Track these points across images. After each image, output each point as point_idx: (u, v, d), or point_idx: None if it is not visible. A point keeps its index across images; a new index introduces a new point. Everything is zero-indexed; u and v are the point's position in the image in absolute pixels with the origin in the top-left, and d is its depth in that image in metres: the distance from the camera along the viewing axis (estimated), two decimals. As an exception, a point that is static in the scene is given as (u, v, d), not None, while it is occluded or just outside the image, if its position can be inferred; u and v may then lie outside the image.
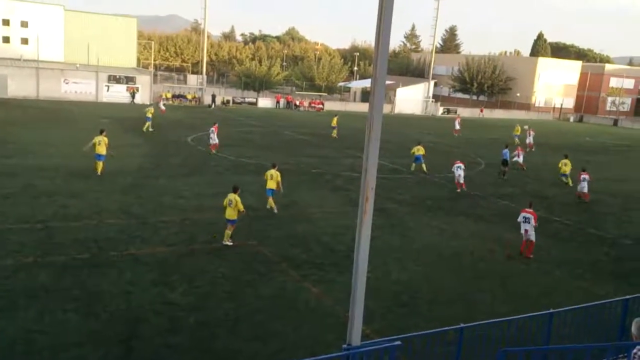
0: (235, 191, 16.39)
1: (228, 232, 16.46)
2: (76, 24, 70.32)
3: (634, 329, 6.55)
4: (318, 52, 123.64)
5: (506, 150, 31.92)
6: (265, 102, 72.58)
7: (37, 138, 33.04)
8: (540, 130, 67.77)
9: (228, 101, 69.19)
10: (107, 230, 16.94)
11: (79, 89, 59.08)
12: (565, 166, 30.03)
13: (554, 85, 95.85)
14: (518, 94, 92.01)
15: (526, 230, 17.38)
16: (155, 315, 11.74)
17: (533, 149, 43.47)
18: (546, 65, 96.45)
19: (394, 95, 79.05)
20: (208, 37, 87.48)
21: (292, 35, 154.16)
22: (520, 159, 32.89)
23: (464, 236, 19.46)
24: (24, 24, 69.67)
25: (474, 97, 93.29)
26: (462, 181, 26.51)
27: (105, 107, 54.18)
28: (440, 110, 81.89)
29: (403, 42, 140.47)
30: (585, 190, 26.63)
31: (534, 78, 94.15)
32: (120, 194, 21.34)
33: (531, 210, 17.52)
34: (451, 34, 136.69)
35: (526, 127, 49.27)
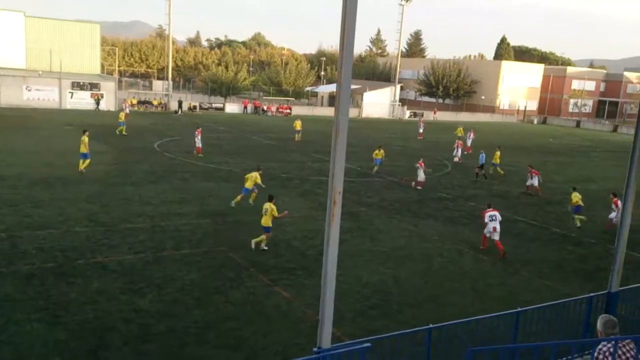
0: (270, 200, 17.03)
1: (264, 237, 16.86)
2: (37, 30, 68.65)
3: (599, 325, 6.71)
4: (285, 57, 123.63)
5: (482, 154, 32.77)
6: (232, 107, 72.18)
7: (-2, 146, 32.20)
8: (505, 132, 69.19)
9: (195, 107, 68.58)
10: (73, 239, 16.62)
11: (42, 95, 57.76)
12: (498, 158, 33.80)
13: (517, 88, 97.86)
14: (483, 97, 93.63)
15: (495, 228, 17.83)
16: (124, 323, 11.57)
17: (470, 151, 43.17)
18: (510, 68, 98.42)
19: (361, 99, 79.59)
20: (173, 42, 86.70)
21: (258, 41, 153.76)
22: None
23: (433, 238, 19.72)
24: (-17, 30, 67.74)
25: (440, 101, 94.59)
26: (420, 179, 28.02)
27: (69, 114, 53.14)
28: (407, 113, 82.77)
29: (369, 47, 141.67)
30: (536, 184, 28.90)
31: (498, 81, 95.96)
32: (85, 202, 20.97)
33: (495, 209, 18.11)
34: (416, 38, 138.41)
35: (470, 130, 49.48)
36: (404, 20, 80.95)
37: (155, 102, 67.26)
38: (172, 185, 25.06)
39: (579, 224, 22.40)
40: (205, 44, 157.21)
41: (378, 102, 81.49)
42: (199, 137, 33.57)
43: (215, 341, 11.16)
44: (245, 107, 72.48)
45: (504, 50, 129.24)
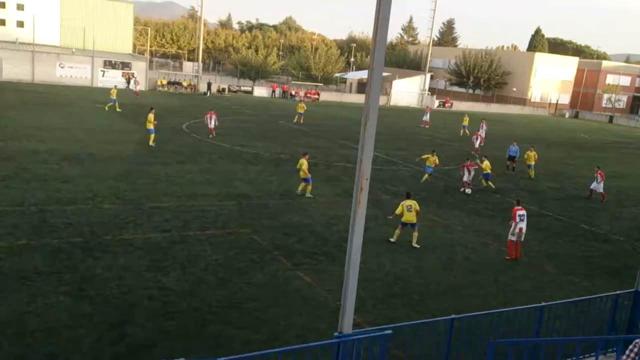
0: (409, 197, 17.32)
1: (415, 234, 17.07)
2: (72, 8, 69.70)
3: None
4: (315, 43, 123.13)
5: (515, 147, 31.86)
6: (260, 91, 72.33)
7: (31, 122, 32.86)
8: (535, 125, 68.02)
9: (224, 89, 68.91)
10: (101, 215, 16.92)
11: (75, 73, 58.71)
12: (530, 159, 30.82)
13: (550, 81, 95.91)
14: (514, 89, 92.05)
15: (521, 229, 16.83)
16: (148, 300, 11.77)
17: (483, 143, 42.49)
18: (543, 60, 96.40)
19: (390, 87, 78.94)
20: (205, 24, 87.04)
21: (289, 25, 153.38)
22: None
23: (457, 229, 19.56)
24: (20, 7, 69.03)
25: (470, 91, 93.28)
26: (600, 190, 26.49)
27: (100, 92, 53.85)
28: (436, 103, 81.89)
29: (400, 34, 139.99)
30: (601, 189, 26.59)
31: (531, 73, 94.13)
32: (114, 180, 21.30)
33: (523, 208, 17.42)
34: (449, 27, 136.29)
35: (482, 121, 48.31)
36: (437, 8, 79.86)
37: (184, 83, 67.76)
38: (199, 166, 25.28)
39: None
40: (236, 26, 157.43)
41: (407, 91, 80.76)
42: (213, 118, 34.00)
43: (237, 321, 11.28)
44: (274, 91, 72.55)
45: (537, 42, 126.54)
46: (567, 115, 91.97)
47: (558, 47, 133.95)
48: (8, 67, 55.72)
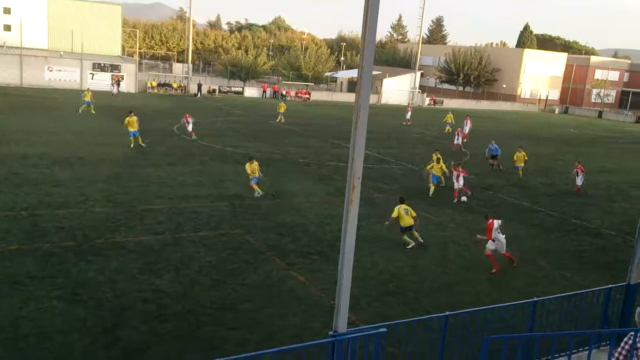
0: (403, 201, 16.98)
1: (416, 233, 17.05)
2: (60, 11, 69.19)
3: (637, 316, 6.66)
4: (305, 42, 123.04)
5: (493, 146, 31.77)
6: (251, 91, 72.24)
7: (20, 126, 32.63)
8: (525, 121, 68.36)
9: (214, 90, 68.75)
10: (93, 218, 16.84)
11: (63, 76, 58.34)
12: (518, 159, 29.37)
13: (539, 77, 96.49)
14: (504, 85, 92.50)
15: (495, 240, 15.33)
16: (142, 303, 11.73)
17: (466, 140, 41.13)
18: (532, 56, 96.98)
19: (381, 86, 79.08)
20: (193, 25, 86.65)
21: (278, 25, 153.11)
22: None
23: (450, 226, 19.63)
24: (7, 11, 68.42)
25: (460, 88, 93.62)
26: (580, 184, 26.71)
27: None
28: (427, 101, 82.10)
29: (390, 33, 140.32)
30: (580, 183, 26.81)
31: (520, 69, 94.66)
32: (104, 183, 21.20)
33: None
34: (438, 24, 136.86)
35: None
36: (426, 6, 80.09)
37: (175, 85, 67.57)
38: (190, 168, 25.21)
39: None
40: (225, 27, 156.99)
41: (398, 89, 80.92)
42: (189, 121, 33.34)
43: (231, 322, 11.26)
44: (264, 92, 72.48)
45: (526, 39, 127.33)
46: (556, 111, 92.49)
47: (547, 43, 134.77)
48: (-4, 71, 55.28)
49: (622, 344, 6.54)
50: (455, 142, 37.54)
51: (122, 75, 61.72)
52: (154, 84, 65.75)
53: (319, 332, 10.64)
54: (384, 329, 7.85)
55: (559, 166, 34.90)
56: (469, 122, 43.80)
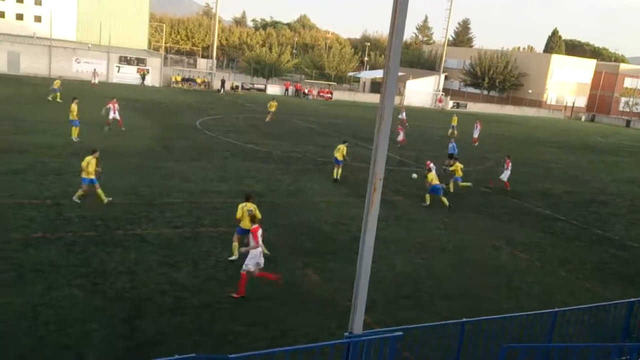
0: (248, 199, 14.30)
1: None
2: (89, 3, 70.17)
3: None
4: (329, 41, 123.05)
5: (453, 144, 31.52)
6: (274, 89, 72.45)
7: (47, 116, 33.17)
8: (551, 128, 67.50)
9: (237, 87, 69.12)
10: (114, 210, 17.04)
11: (90, 68, 59.15)
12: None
13: (567, 83, 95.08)
14: (530, 91, 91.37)
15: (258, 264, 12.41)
16: (159, 295, 11.84)
17: (476, 144, 41.62)
18: (560, 62, 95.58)
19: (404, 87, 78.71)
20: (219, 21, 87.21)
21: (303, 23, 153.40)
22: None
23: (469, 231, 19.45)
24: (38, 2, 69.58)
25: (485, 92, 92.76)
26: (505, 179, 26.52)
27: (115, 87, 54.23)
28: (450, 103, 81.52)
29: (415, 34, 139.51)
30: (506, 178, 26.39)
31: (547, 75, 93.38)
32: (127, 175, 21.44)
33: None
34: (464, 27, 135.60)
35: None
36: (453, 7, 79.48)
37: (198, 80, 68.08)
38: (212, 164, 25.37)
39: None
40: (250, 24, 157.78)
41: (421, 91, 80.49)
42: (112, 108, 30.71)
43: (247, 318, 11.30)
44: (287, 89, 72.65)
45: (554, 44, 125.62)
46: (583, 118, 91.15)
47: (575, 49, 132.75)
48: (25, 61, 56.30)
49: None
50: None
51: (148, 69, 62.40)
52: (179, 78, 66.34)
53: (333, 333, 10.64)
54: (400, 333, 7.82)
55: (584, 174, 34.39)
56: (478, 125, 43.37)
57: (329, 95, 73.22)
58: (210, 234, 16.02)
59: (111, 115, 30.80)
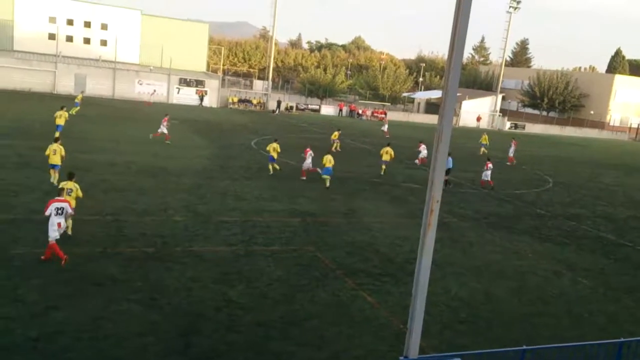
0: (71, 178, 15.66)
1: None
2: (151, 28, 73.10)
3: None
4: (383, 62, 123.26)
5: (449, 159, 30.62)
6: (328, 109, 72.99)
7: (110, 135, 34.52)
8: (614, 150, 64.94)
9: (292, 107, 70.04)
10: (172, 227, 17.47)
11: (152, 90, 61.36)
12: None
13: (631, 104, 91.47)
14: (592, 112, 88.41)
15: (59, 224, 13.55)
16: (214, 312, 12.00)
17: (513, 163, 40.96)
18: (624, 82, 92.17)
19: (459, 108, 77.71)
20: (275, 44, 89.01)
21: (357, 44, 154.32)
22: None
23: (528, 255, 18.85)
24: (104, 27, 73.03)
25: (544, 113, 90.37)
26: (488, 179, 29.44)
27: (175, 108, 55.93)
28: (507, 124, 79.82)
29: (471, 54, 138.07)
30: (488, 178, 29.53)
31: (610, 96, 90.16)
32: (185, 193, 21.97)
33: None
34: (522, 47, 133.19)
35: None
36: (511, 28, 78.25)
37: (254, 101, 69.42)
38: (266, 183, 25.69)
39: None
40: (305, 46, 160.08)
41: (477, 111, 79.21)
42: (164, 124, 34.31)
43: (299, 338, 11.28)
44: (341, 110, 73.03)
45: (618, 64, 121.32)
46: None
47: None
48: (91, 83, 58.97)
49: None
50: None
51: (206, 90, 64.17)
52: (235, 99, 67.85)
53: (385, 356, 10.47)
54: (458, 359, 7.62)
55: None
56: (514, 144, 42.54)
57: (383, 115, 73.08)
58: (263, 252, 16.16)
59: (159, 130, 33.96)
